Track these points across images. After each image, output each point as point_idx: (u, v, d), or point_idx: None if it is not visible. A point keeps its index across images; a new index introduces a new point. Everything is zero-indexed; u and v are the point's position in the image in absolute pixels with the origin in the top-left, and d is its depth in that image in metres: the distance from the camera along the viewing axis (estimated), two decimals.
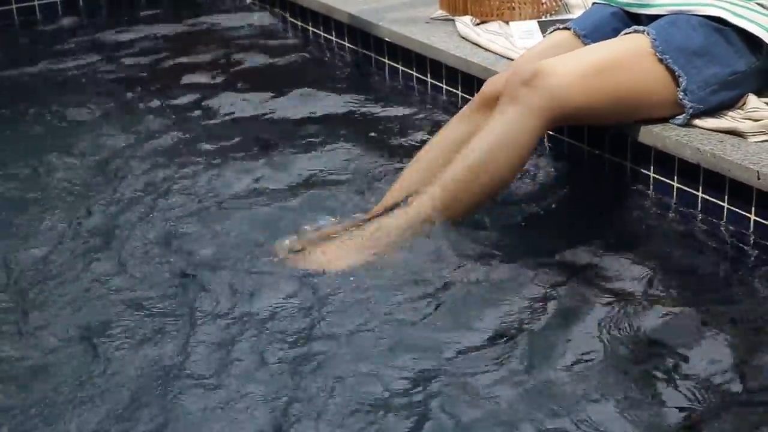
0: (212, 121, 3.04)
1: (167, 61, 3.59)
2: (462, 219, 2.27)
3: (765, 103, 2.42)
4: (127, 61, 3.61)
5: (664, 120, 2.44)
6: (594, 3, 2.70)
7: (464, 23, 3.16)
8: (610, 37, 2.47)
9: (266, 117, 3.07)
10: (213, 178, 2.62)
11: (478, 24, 3.17)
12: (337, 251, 2.18)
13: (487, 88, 2.48)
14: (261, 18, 3.93)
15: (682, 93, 2.38)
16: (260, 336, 1.95)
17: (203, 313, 2.03)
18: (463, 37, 3.12)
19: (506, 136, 2.27)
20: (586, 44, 2.52)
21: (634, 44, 2.39)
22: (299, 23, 3.73)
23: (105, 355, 1.91)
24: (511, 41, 3.02)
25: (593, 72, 2.32)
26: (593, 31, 2.54)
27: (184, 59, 3.58)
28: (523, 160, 2.31)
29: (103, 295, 2.10)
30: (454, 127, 2.47)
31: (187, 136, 2.93)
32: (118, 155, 2.79)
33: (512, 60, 2.84)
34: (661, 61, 2.36)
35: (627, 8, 2.56)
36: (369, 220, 2.25)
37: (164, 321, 2.01)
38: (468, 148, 2.27)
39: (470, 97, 2.69)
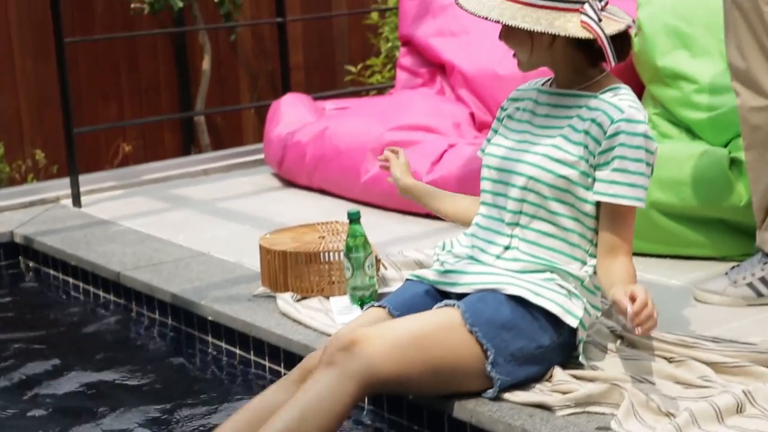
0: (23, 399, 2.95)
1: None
2: None
3: (570, 375, 2.50)
4: None
5: (478, 394, 2.48)
6: (407, 279, 2.77)
7: (285, 300, 3.19)
8: None
9: (77, 399, 2.99)
10: None
11: (298, 300, 3.21)
12: None
13: (307, 361, 2.52)
14: (78, 296, 3.89)
15: (489, 366, 2.43)
16: None
17: None
18: (285, 314, 3.14)
19: (318, 402, 2.30)
20: None
21: (445, 317, 2.47)
22: (122, 302, 3.70)
23: None
24: (331, 316, 3.06)
25: (407, 343, 2.39)
26: (406, 311, 2.59)
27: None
28: (335, 427, 2.32)
29: None
30: (271, 394, 2.49)
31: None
32: None
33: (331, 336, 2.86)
34: (471, 333, 2.43)
35: (437, 286, 2.64)
36: None
37: None
38: (277, 416, 2.29)
39: None
